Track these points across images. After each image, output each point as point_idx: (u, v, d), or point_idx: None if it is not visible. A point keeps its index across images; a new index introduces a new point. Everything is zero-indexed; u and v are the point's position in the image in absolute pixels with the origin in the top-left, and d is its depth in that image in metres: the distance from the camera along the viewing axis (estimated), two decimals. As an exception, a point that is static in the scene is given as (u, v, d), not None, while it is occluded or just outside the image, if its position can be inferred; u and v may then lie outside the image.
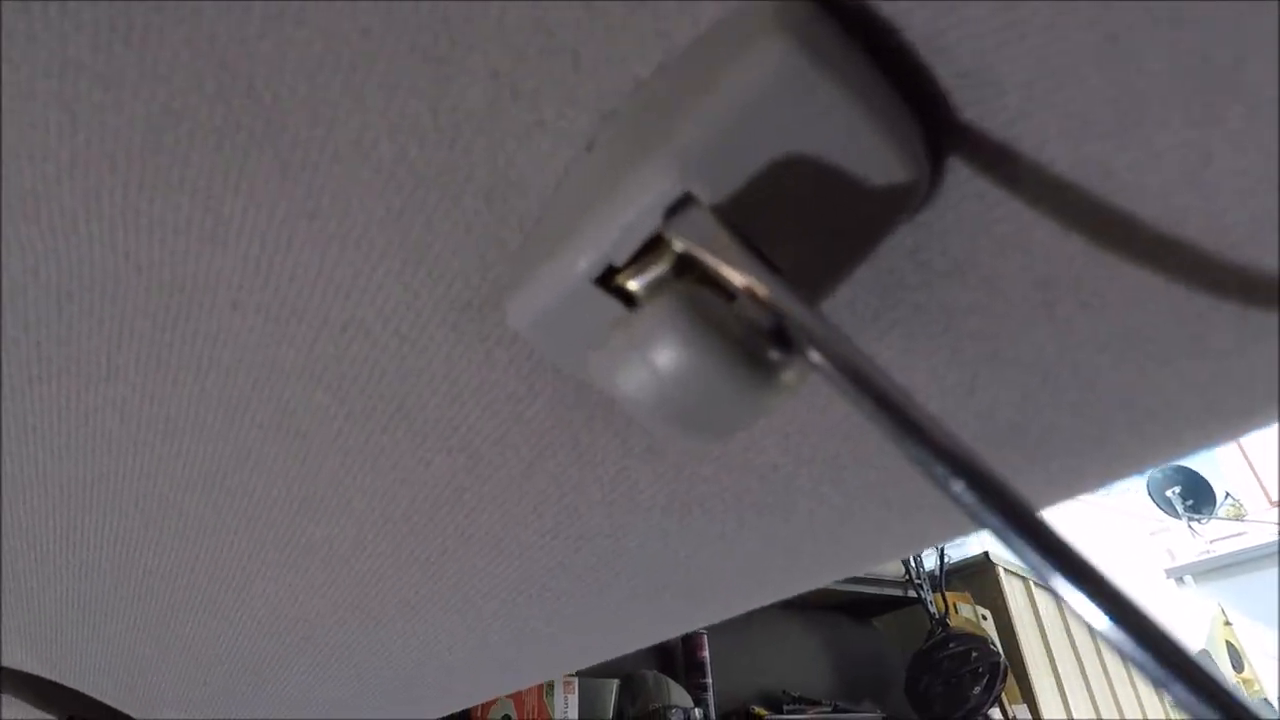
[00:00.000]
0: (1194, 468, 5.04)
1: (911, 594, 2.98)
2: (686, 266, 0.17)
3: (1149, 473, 5.02)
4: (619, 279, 0.18)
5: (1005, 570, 3.29)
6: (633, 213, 0.17)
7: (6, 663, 0.68)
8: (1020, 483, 0.27)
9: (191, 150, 0.22)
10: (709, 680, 2.29)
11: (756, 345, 0.16)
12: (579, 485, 0.31)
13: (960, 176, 0.19)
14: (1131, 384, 0.23)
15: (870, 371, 0.14)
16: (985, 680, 2.71)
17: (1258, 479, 5.22)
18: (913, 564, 2.91)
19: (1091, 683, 3.42)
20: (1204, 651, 4.51)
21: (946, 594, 2.99)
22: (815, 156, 0.16)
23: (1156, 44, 0.15)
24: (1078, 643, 3.51)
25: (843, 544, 0.31)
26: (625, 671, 2.18)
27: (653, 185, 0.16)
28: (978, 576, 3.27)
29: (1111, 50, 0.15)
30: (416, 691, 0.53)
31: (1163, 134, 0.17)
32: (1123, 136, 0.17)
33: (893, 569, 2.95)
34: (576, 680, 2.01)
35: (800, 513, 0.30)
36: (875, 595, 2.96)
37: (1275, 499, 5.28)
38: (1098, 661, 3.60)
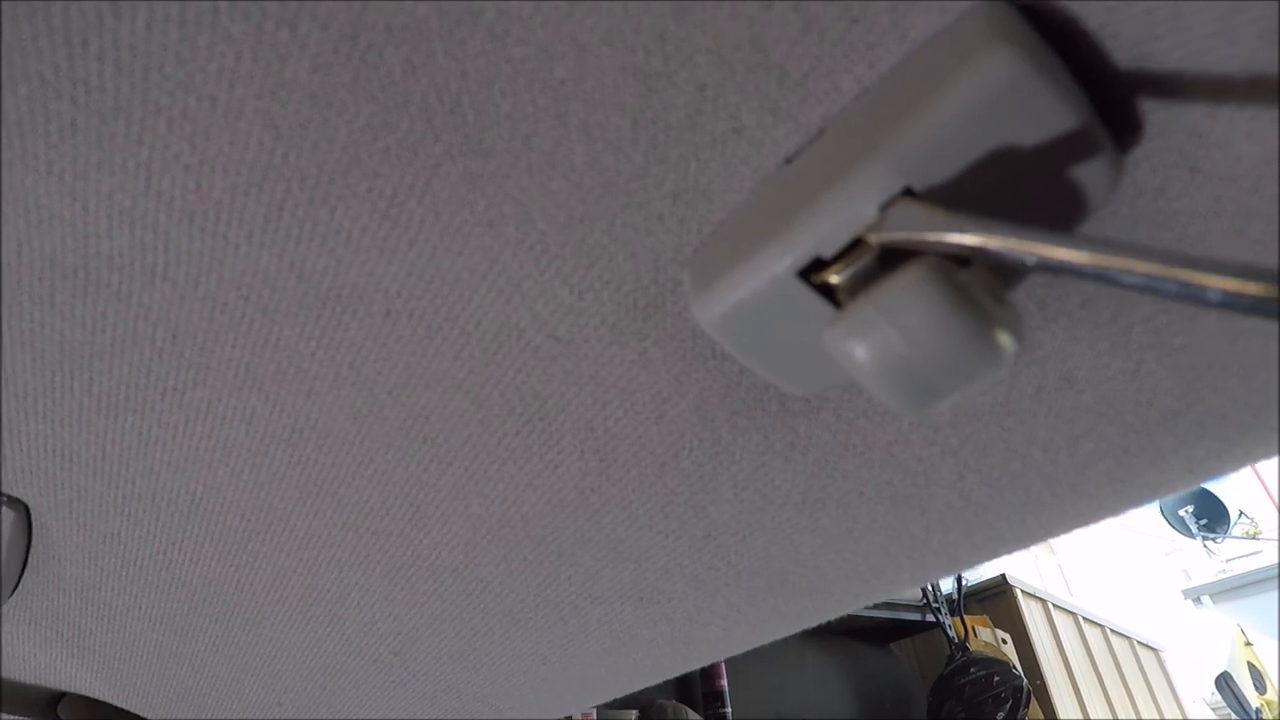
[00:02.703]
0: (1207, 486, 5.03)
1: (929, 618, 2.96)
2: (890, 260, 0.19)
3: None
4: (823, 274, 0.19)
5: (1023, 593, 3.27)
6: (849, 206, 0.18)
7: (70, 688, 0.68)
8: (1163, 465, 0.28)
9: (384, 164, 0.23)
10: (728, 709, 2.27)
11: (988, 309, 0.17)
12: (712, 483, 0.31)
13: (1139, 173, 0.20)
14: None
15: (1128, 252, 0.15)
16: (1009, 705, 2.68)
17: (1270, 497, 5.20)
18: (930, 587, 2.89)
19: (1115, 705, 3.38)
20: (1226, 674, 4.45)
21: (965, 617, 2.97)
22: (1022, 149, 0.18)
23: None
24: (1099, 664, 3.48)
25: (971, 537, 0.32)
26: (644, 701, 2.17)
27: (872, 181, 0.17)
28: (996, 599, 3.25)
29: None
30: (496, 705, 0.53)
31: None
32: None
33: (910, 593, 2.93)
34: (594, 712, 2.00)
35: (937, 505, 0.30)
36: (893, 620, 2.94)
37: (1290, 519, 5.24)
38: (1120, 682, 3.56)
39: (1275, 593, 4.88)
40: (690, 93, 0.20)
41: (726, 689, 2.29)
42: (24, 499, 0.44)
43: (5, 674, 0.66)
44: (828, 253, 0.19)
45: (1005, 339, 0.17)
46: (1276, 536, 4.99)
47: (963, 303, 0.16)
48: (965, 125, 0.17)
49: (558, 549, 0.37)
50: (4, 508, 0.44)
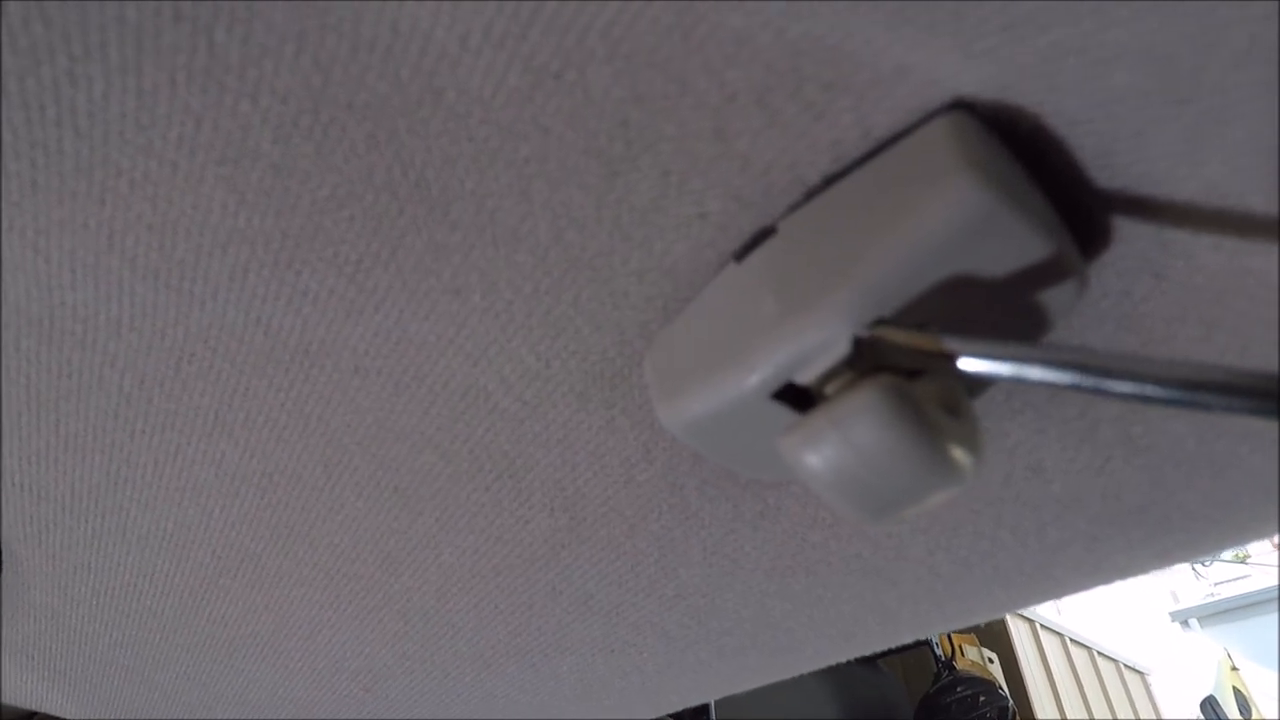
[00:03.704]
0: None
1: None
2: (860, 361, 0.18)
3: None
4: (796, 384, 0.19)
5: (1011, 613, 3.27)
6: (822, 335, 0.18)
7: (40, 708, 0.68)
8: (1132, 553, 0.27)
9: (350, 231, 0.23)
10: (713, 722, 2.26)
11: (942, 426, 0.17)
12: (682, 547, 0.31)
13: (1105, 276, 0.20)
14: (1268, 469, 0.24)
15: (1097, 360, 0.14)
16: (994, 725, 2.67)
17: (1261, 522, 5.20)
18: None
19: (1100, 728, 3.37)
20: (1211, 698, 4.45)
21: (952, 636, 2.97)
22: (986, 268, 0.17)
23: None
24: (1085, 686, 3.47)
25: (941, 608, 0.32)
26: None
27: (843, 313, 0.17)
28: (983, 618, 3.25)
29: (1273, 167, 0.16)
30: None
31: None
32: (1269, 245, 0.18)
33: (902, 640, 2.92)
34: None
35: (907, 579, 0.30)
36: (881, 636, 2.93)
37: (1278, 542, 5.26)
38: (1105, 705, 3.56)
39: (1262, 618, 4.88)
40: (654, 178, 0.20)
41: (712, 705, 2.28)
42: None
43: None
44: (803, 380, 0.19)
45: (960, 455, 0.17)
46: (1269, 561, 4.99)
47: (915, 421, 0.16)
48: (934, 257, 0.17)
49: (528, 600, 0.36)
50: None
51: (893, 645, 0.35)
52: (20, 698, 0.64)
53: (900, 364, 0.17)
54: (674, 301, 0.23)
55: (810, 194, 0.20)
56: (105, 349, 0.30)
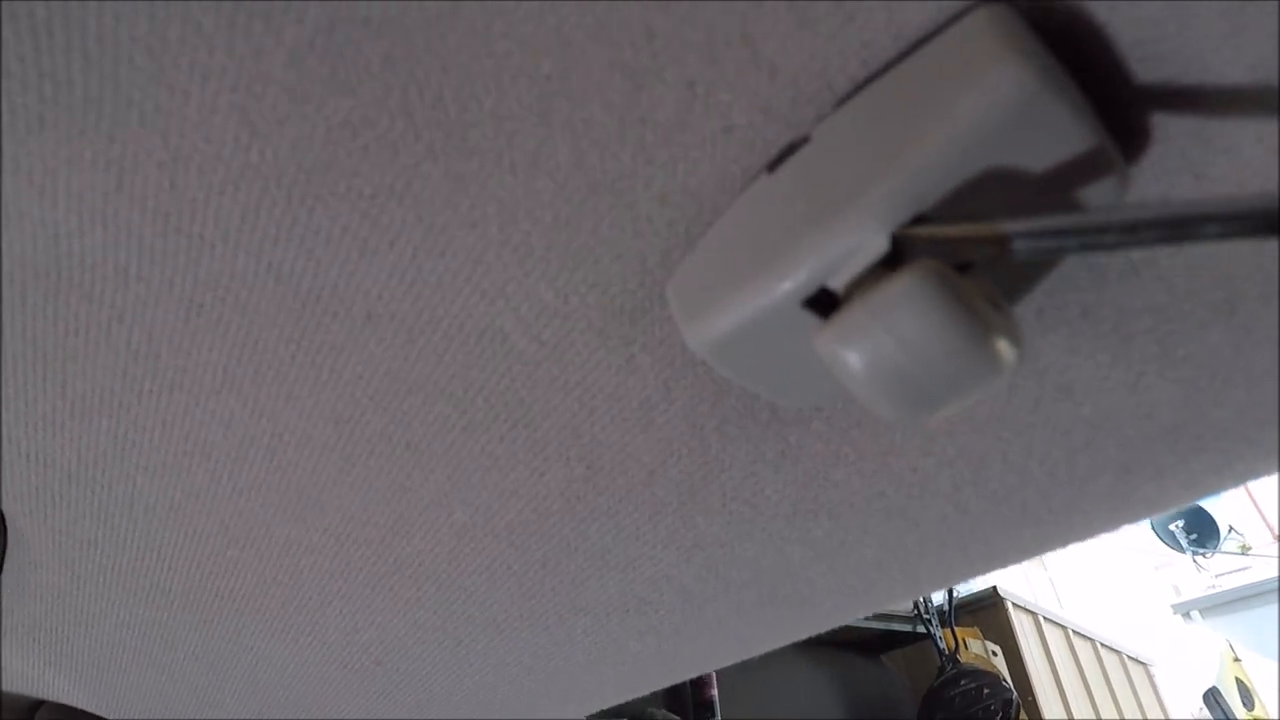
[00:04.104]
0: (1196, 502, 5.05)
1: (920, 629, 2.96)
2: (888, 260, 0.18)
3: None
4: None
5: (1014, 605, 3.27)
6: (860, 236, 0.17)
7: (48, 696, 0.67)
8: (1162, 481, 0.27)
9: (364, 162, 0.23)
10: (718, 719, 2.26)
11: (987, 316, 0.16)
12: (701, 493, 0.31)
13: (1143, 177, 0.19)
14: None
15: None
16: (998, 717, 2.67)
17: (1260, 513, 5.22)
18: (921, 599, 2.89)
19: (1103, 718, 3.38)
20: (1214, 689, 4.46)
21: (956, 629, 2.97)
22: (1033, 168, 0.17)
23: None
24: (1089, 678, 3.47)
25: (965, 551, 0.31)
26: (633, 712, 2.15)
27: (882, 209, 0.17)
28: (987, 612, 3.24)
29: None
30: (480, 715, 0.52)
31: None
32: None
33: (901, 604, 2.93)
34: (583, 720, 1.98)
35: (932, 518, 0.30)
36: (884, 631, 2.93)
37: (1279, 533, 5.27)
38: (1109, 696, 3.56)
39: (1264, 609, 4.89)
40: (679, 90, 0.20)
41: (717, 699, 2.27)
42: None
43: None
44: (838, 284, 0.18)
45: (1005, 346, 0.16)
46: (1270, 552, 5.01)
47: (961, 308, 0.16)
48: (976, 149, 0.16)
49: (543, 558, 0.36)
50: None
51: (912, 597, 0.35)
52: (25, 685, 0.64)
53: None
54: (697, 226, 0.23)
55: (840, 102, 0.19)
56: (113, 302, 0.29)
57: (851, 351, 0.16)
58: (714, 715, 2.25)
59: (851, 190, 0.18)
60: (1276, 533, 5.27)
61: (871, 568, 0.33)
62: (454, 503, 0.35)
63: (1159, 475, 0.27)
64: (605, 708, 0.51)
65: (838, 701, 2.83)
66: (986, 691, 2.71)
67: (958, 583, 0.34)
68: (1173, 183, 0.19)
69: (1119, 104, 0.18)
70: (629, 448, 0.30)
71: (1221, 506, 5.03)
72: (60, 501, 0.41)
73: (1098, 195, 0.18)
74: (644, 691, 0.48)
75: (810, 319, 0.19)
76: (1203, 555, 5.20)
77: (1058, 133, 0.16)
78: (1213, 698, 4.43)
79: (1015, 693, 2.75)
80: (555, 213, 0.23)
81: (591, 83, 0.20)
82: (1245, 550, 5.21)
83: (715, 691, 2.29)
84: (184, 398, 0.34)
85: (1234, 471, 0.26)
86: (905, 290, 0.16)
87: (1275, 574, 4.89)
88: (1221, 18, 0.16)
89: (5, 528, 0.45)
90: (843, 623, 0.37)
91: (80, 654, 0.57)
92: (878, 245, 0.17)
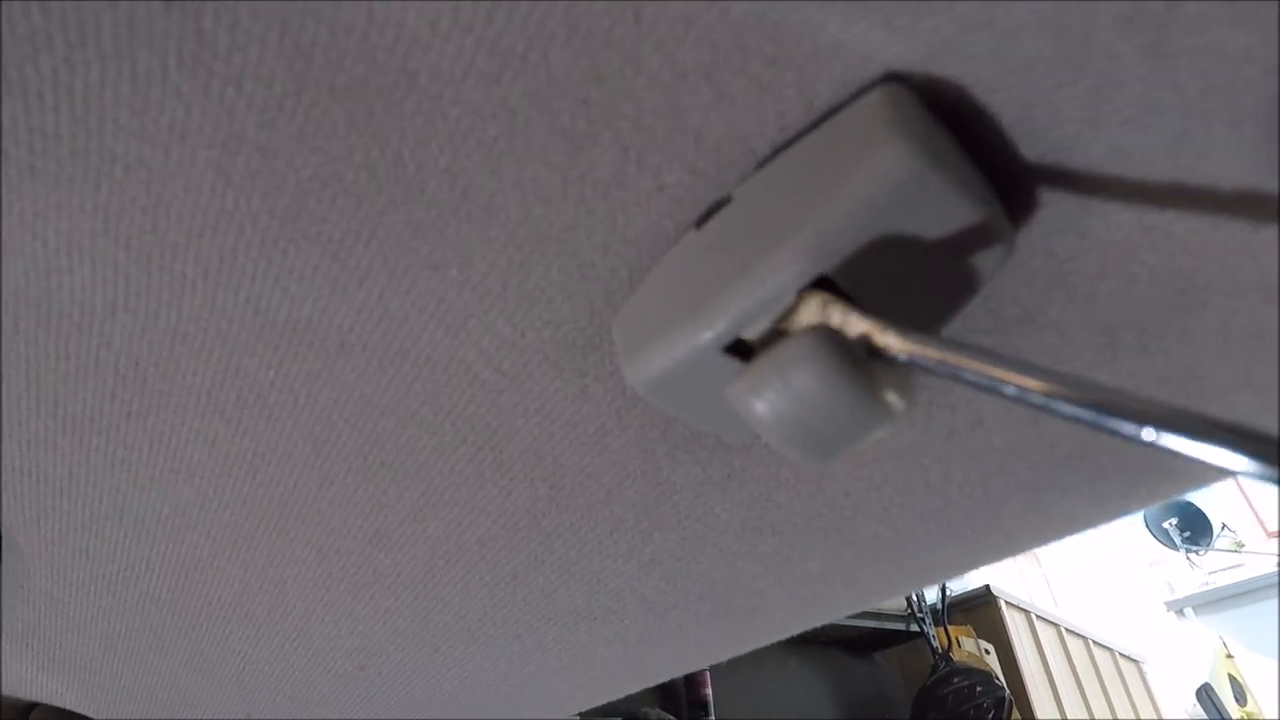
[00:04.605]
0: (1190, 499, 5.06)
1: (914, 628, 2.98)
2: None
3: (1147, 504, 5.03)
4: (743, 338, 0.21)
5: (1007, 604, 3.29)
6: (771, 293, 0.19)
7: (41, 699, 0.69)
8: (1072, 500, 0.29)
9: (332, 210, 0.24)
10: (712, 718, 2.27)
11: (874, 371, 0.18)
12: (655, 511, 0.33)
13: (1033, 236, 0.21)
14: None
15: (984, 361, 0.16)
16: (990, 715, 2.69)
17: (1253, 511, 5.24)
18: (914, 597, 2.91)
19: (1096, 715, 3.40)
20: (1207, 685, 4.48)
21: (949, 628, 2.99)
22: (919, 230, 0.19)
23: (1217, 142, 0.18)
24: (1081, 675, 3.49)
25: (901, 566, 0.33)
26: (627, 710, 2.17)
27: (790, 269, 0.19)
28: (979, 610, 3.27)
29: (1179, 143, 0.18)
30: (461, 717, 0.54)
31: (1219, 210, 0.19)
32: (1183, 208, 0.19)
33: (894, 603, 2.95)
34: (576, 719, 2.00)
35: (866, 536, 0.32)
36: (877, 630, 2.95)
37: (1272, 530, 5.29)
38: (1101, 693, 3.58)
39: (1257, 606, 4.92)
40: (614, 153, 0.22)
41: (711, 698, 2.29)
42: None
43: None
44: (752, 334, 0.20)
45: (892, 398, 0.18)
46: (1263, 550, 5.03)
47: (848, 367, 0.17)
48: (869, 218, 0.18)
49: (512, 570, 0.38)
50: None
51: (859, 609, 0.37)
52: (20, 688, 0.65)
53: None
54: (638, 270, 0.24)
55: (761, 163, 0.21)
56: (101, 331, 0.31)
57: (757, 402, 0.18)
58: (708, 713, 2.27)
59: (762, 250, 0.19)
60: (1269, 530, 5.29)
61: (816, 580, 0.35)
62: (427, 518, 0.37)
63: (1068, 495, 0.29)
64: (579, 711, 0.52)
65: (831, 699, 2.85)
66: (979, 689, 2.73)
67: (900, 594, 0.36)
68: (1059, 241, 0.21)
69: (1008, 173, 0.20)
70: (587, 469, 0.32)
71: (1215, 504, 5.06)
72: (53, 514, 0.43)
73: (985, 259, 0.19)
74: (615, 696, 0.50)
75: (732, 364, 0.21)
76: (1196, 552, 5.22)
77: (943, 204, 0.18)
78: (1206, 694, 4.45)
79: (1008, 690, 2.77)
80: (509, 257, 0.25)
81: (535, 145, 0.22)
82: (1238, 548, 5.23)
83: (709, 690, 2.31)
84: (170, 418, 0.35)
85: (1139, 495, 0.28)
86: (800, 350, 0.18)
87: (1268, 571, 4.91)
88: (1080, 107, 0.18)
89: (0, 539, 0.47)
90: (795, 631, 0.39)
91: (73, 658, 0.59)
92: (785, 301, 0.19)
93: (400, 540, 0.39)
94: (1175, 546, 5.03)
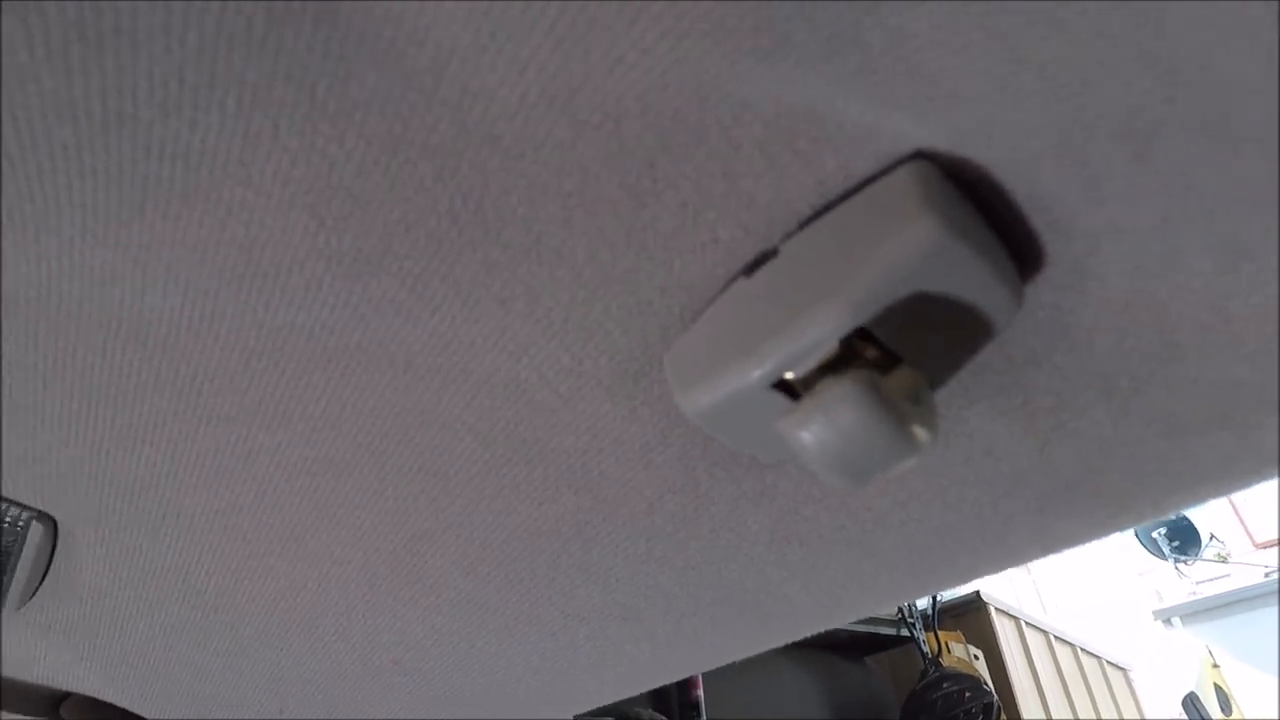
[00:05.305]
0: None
1: (904, 633, 3.01)
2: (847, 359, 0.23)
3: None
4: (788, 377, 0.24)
5: (997, 610, 3.33)
6: (815, 341, 0.22)
7: (75, 689, 0.71)
8: (1072, 523, 0.32)
9: (414, 249, 0.27)
10: (703, 719, 2.30)
11: (905, 410, 0.21)
12: (693, 522, 0.35)
13: (1040, 291, 0.24)
14: (1170, 450, 0.28)
15: None
16: (979, 720, 2.73)
17: (1241, 522, 5.28)
18: (905, 604, 2.95)
19: (1083, 723, 3.43)
20: (1193, 694, 4.52)
21: (939, 633, 3.02)
22: (943, 288, 0.22)
23: (1195, 227, 0.21)
24: (1068, 682, 3.53)
25: (915, 575, 0.36)
26: (620, 711, 2.20)
27: (833, 321, 0.22)
28: (969, 616, 3.30)
29: (1164, 224, 0.21)
30: (492, 711, 0.57)
31: (1196, 280, 0.22)
32: (1167, 277, 0.23)
33: (886, 608, 2.98)
34: None
35: (884, 548, 0.35)
36: (868, 634, 2.99)
37: (1259, 541, 5.33)
38: (1088, 700, 3.62)
39: (1243, 616, 4.96)
40: (675, 209, 0.25)
41: (703, 699, 2.32)
42: (53, 514, 0.47)
43: (10, 675, 0.68)
44: (798, 373, 0.23)
45: (920, 432, 0.21)
46: (1250, 560, 5.07)
47: (884, 408, 0.21)
48: (901, 280, 0.21)
49: (550, 573, 0.41)
50: (34, 523, 0.48)
51: (872, 613, 0.40)
52: (55, 678, 0.68)
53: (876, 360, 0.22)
54: (690, 311, 0.27)
55: (803, 223, 0.24)
56: (183, 349, 0.34)
57: (805, 434, 0.21)
58: (699, 715, 2.29)
59: (809, 302, 0.22)
60: (1256, 541, 5.33)
61: (837, 587, 0.38)
62: (474, 523, 0.39)
63: (1070, 517, 0.32)
64: (603, 704, 0.55)
65: (822, 702, 2.89)
66: (968, 694, 2.76)
67: (909, 600, 0.39)
68: (1061, 296, 0.24)
69: (1018, 236, 0.23)
70: (631, 482, 0.34)
71: (1203, 515, 5.11)
72: (112, 513, 0.46)
73: (998, 311, 0.23)
74: (638, 691, 0.52)
75: (776, 398, 0.24)
76: (1184, 562, 5.26)
77: (964, 268, 0.21)
78: (1191, 703, 4.49)
79: (996, 696, 2.80)
80: (573, 295, 0.28)
81: (604, 199, 0.25)
82: (1225, 558, 5.27)
83: (701, 692, 2.33)
84: (237, 427, 0.38)
85: (1127, 515, 0.31)
86: (844, 393, 0.21)
87: (1254, 581, 4.96)
88: (1081, 190, 0.21)
89: (56, 534, 0.49)
90: (812, 633, 0.42)
91: (113, 651, 0.61)
92: (829, 348, 0.22)
93: (445, 543, 0.41)
94: (1164, 556, 5.07)
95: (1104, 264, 0.23)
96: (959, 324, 0.23)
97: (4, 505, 0.47)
